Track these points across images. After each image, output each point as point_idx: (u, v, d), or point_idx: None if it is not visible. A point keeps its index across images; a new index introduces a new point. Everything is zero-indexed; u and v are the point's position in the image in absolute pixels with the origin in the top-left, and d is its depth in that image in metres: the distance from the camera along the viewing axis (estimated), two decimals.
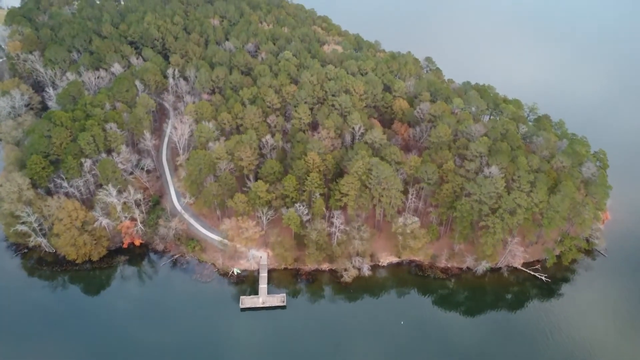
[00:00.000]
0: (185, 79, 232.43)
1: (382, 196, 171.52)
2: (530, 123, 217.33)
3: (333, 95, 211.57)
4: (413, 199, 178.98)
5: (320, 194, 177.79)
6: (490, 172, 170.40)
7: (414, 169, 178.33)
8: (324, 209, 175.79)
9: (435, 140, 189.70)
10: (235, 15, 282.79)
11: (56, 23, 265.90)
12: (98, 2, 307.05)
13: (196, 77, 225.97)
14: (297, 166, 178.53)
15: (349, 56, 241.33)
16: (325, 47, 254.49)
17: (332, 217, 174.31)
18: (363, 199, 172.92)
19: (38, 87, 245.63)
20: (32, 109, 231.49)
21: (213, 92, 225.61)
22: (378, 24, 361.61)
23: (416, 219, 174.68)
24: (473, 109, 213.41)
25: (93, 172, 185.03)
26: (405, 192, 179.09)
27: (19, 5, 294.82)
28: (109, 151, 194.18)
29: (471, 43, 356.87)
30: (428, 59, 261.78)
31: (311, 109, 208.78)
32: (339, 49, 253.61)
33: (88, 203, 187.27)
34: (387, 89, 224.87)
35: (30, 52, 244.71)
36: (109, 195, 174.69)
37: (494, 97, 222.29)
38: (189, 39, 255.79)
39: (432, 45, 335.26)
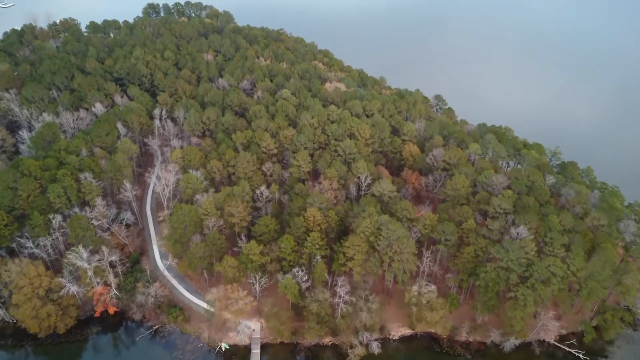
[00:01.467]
0: (174, 120, 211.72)
1: (393, 260, 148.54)
2: (554, 169, 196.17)
3: (336, 140, 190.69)
4: (428, 262, 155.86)
5: (322, 257, 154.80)
6: (517, 233, 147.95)
7: (429, 227, 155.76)
8: (325, 274, 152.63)
9: (452, 193, 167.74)
10: (230, 49, 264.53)
11: (37, 58, 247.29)
12: (86, 34, 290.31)
13: (185, 118, 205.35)
14: (295, 224, 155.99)
15: (352, 95, 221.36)
16: (327, 84, 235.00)
17: (336, 285, 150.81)
18: (371, 264, 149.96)
19: (15, 127, 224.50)
20: (5, 152, 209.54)
21: (203, 135, 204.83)
22: (381, 58, 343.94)
23: (433, 287, 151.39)
24: (490, 153, 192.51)
25: (63, 230, 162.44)
26: (419, 254, 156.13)
27: (0, 39, 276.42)
28: (84, 204, 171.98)
29: (477, 77, 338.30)
30: (438, 97, 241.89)
31: (311, 155, 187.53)
32: (342, 86, 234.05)
33: (57, 265, 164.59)
34: (394, 131, 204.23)
35: (7, 90, 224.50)
36: (79, 259, 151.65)
37: (513, 141, 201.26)
38: (179, 75, 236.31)
39: (438, 79, 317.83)
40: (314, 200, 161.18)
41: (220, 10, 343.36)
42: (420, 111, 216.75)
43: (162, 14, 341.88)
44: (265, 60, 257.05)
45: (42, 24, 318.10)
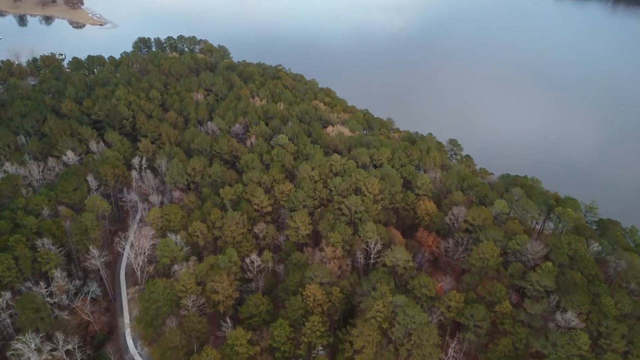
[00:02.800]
0: (155, 170, 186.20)
1: (412, 354, 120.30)
2: (590, 226, 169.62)
3: (340, 195, 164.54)
4: (453, 354, 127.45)
5: (324, 346, 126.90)
6: (565, 320, 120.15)
7: (455, 310, 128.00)
8: None
9: (479, 264, 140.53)
10: (223, 88, 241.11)
11: (9, 98, 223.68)
12: (68, 70, 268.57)
13: (167, 168, 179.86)
14: (291, 305, 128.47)
15: (358, 141, 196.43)
16: (329, 128, 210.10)
17: None
18: (384, 358, 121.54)
19: None
20: None
21: (188, 188, 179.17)
22: (387, 96, 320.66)
23: None
24: (519, 211, 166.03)
25: (12, 311, 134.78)
26: (442, 343, 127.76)
27: None
28: (40, 275, 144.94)
29: (489, 116, 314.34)
30: (452, 142, 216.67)
31: (311, 214, 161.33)
32: (346, 130, 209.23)
33: (4, 351, 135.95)
34: (406, 183, 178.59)
35: None
36: (28, 349, 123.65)
37: (544, 195, 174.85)
38: (164, 118, 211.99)
39: (448, 118, 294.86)
40: (314, 274, 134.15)
41: (215, 44, 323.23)
42: (434, 159, 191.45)
43: (154, 49, 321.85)
44: (261, 101, 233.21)
45: (25, 60, 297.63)
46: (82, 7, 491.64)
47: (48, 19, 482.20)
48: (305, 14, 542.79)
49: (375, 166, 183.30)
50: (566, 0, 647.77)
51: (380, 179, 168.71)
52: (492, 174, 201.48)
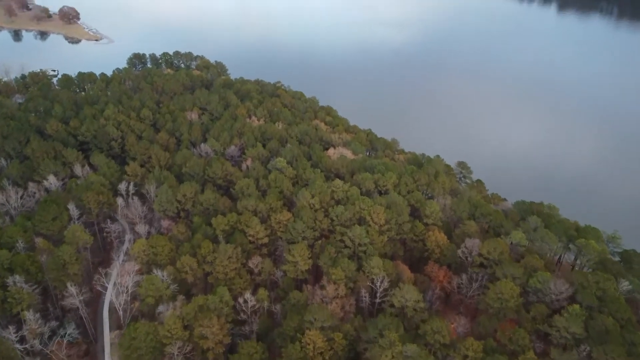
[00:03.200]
0: (143, 196, 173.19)
1: None
2: (613, 258, 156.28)
3: (342, 226, 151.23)
4: None
5: None
6: None
7: None
8: None
9: (497, 305, 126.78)
10: (218, 107, 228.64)
11: None
12: (58, 88, 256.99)
13: (156, 195, 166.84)
14: (288, 355, 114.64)
15: (361, 165, 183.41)
16: (331, 150, 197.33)
17: None
18: None
19: None
20: None
21: (178, 216, 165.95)
22: (391, 114, 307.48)
23: None
24: (537, 243, 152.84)
25: None
26: None
27: None
28: (12, 317, 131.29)
29: (497, 135, 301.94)
30: (462, 165, 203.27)
31: (311, 246, 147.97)
32: (348, 153, 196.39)
33: None
34: (414, 211, 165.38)
35: None
36: None
37: (563, 224, 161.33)
38: (155, 139, 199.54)
39: (455, 137, 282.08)
40: (314, 318, 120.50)
41: (212, 61, 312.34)
42: (443, 184, 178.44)
43: (149, 65, 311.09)
44: (258, 120, 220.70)
45: (15, 76, 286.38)
46: (78, 22, 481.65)
47: (43, 34, 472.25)
48: (306, 30, 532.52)
49: (380, 193, 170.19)
50: (569, 15, 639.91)
51: (386, 208, 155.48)
52: (505, 199, 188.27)
